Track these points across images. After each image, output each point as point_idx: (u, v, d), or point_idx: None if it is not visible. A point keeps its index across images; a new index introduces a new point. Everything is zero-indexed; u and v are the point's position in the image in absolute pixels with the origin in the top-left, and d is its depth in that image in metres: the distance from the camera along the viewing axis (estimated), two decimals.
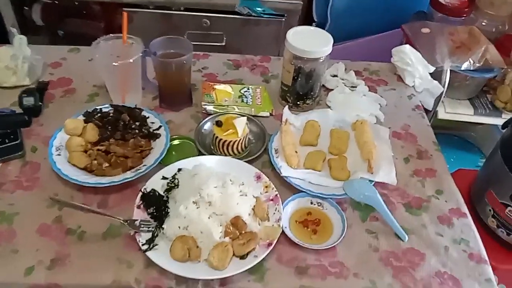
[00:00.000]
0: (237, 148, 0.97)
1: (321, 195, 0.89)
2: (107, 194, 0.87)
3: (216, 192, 0.83)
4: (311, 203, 0.89)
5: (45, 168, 0.89)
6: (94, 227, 0.81)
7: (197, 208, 0.81)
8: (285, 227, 0.84)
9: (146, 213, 0.83)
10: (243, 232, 0.81)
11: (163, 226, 0.80)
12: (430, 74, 1.23)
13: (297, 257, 0.81)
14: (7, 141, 0.90)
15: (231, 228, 0.80)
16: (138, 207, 0.84)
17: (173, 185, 0.87)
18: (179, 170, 0.91)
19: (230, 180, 0.85)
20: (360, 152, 0.96)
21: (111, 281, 0.75)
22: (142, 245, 0.78)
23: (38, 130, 0.97)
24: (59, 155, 0.88)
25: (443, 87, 1.29)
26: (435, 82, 1.22)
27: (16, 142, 0.91)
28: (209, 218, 0.81)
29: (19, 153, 0.90)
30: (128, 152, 0.92)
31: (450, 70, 1.33)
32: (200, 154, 0.97)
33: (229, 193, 0.83)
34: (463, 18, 1.53)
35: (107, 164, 0.88)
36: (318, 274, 0.79)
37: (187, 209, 0.81)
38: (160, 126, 0.99)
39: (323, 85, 1.19)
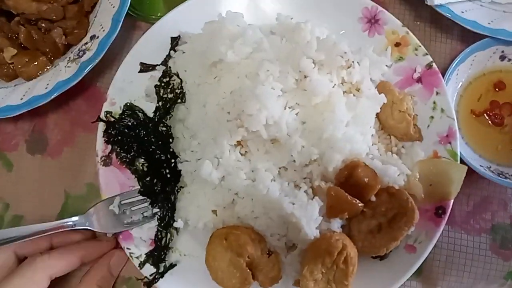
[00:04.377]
0: None
1: None
2: (31, 120, 0.39)
3: (286, 111, 0.31)
4: (502, 58, 0.36)
5: None
6: None
7: (245, 155, 0.31)
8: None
9: (127, 170, 0.35)
10: (370, 196, 0.32)
11: (174, 208, 0.33)
12: None
13: (486, 203, 0.36)
14: None
15: (342, 192, 0.32)
16: (105, 162, 0.35)
17: (171, 89, 0.35)
18: (175, 40, 0.37)
19: (313, 62, 0.32)
20: None
21: None
22: (141, 264, 0.33)
23: None
24: None
25: None
26: None
27: None
28: (279, 174, 0.32)
29: None
30: (48, 10, 0.37)
31: None
32: None
33: (323, 93, 0.32)
34: None
35: (14, 51, 0.35)
36: None
37: (222, 160, 0.31)
38: None
39: None
